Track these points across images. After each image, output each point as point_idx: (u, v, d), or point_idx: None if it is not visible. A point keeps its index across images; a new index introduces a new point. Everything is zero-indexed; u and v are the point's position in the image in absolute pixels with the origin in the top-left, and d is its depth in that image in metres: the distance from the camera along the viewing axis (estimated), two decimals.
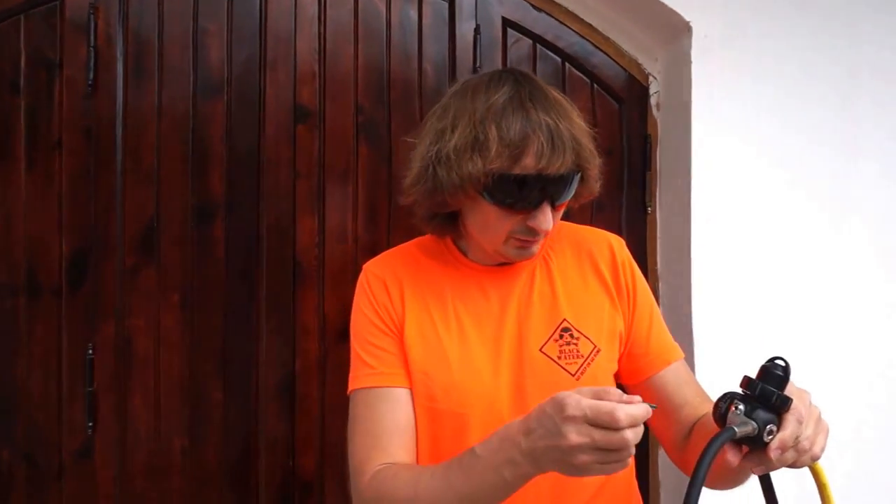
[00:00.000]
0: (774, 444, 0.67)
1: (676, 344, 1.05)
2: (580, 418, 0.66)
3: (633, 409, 0.65)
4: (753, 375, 0.70)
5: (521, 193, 0.86)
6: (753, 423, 0.67)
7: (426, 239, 1.06)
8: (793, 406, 0.68)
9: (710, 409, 0.94)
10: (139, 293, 1.51)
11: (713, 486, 0.84)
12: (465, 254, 1.02)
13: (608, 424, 0.65)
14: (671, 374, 1.00)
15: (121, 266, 1.50)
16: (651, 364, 1.01)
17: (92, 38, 1.49)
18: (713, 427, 0.85)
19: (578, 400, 0.67)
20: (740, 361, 1.47)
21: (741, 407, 0.68)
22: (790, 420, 0.68)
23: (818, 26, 1.52)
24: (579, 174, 0.89)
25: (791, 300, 1.52)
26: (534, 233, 0.89)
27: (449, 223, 0.99)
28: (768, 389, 0.67)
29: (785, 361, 0.68)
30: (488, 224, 0.90)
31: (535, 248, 0.93)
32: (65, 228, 1.50)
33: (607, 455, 0.66)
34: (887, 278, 1.55)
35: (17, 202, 1.49)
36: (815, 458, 0.71)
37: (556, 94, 0.90)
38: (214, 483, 1.52)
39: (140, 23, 1.51)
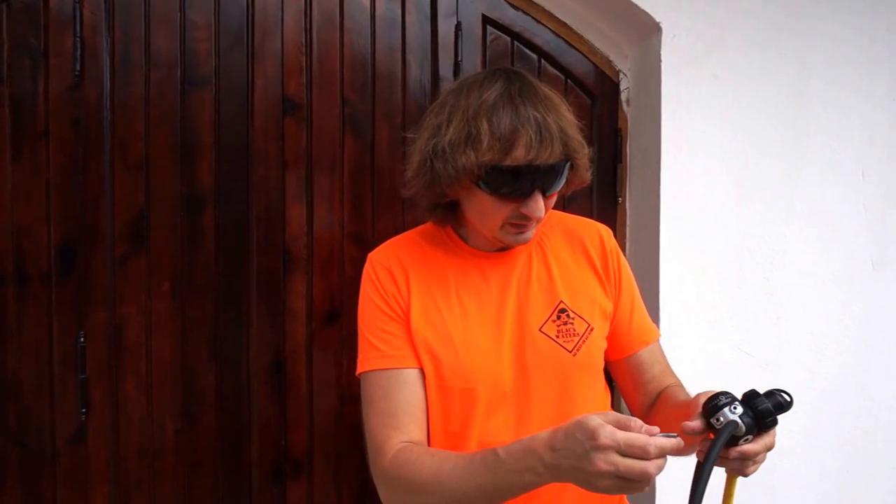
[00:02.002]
0: (743, 448, 0.80)
1: (654, 325, 1.15)
2: (611, 448, 0.71)
3: (663, 442, 0.72)
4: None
5: (514, 183, 0.92)
6: (743, 426, 0.78)
7: (428, 227, 1.12)
8: (772, 431, 0.80)
9: (671, 381, 1.09)
10: (130, 281, 1.54)
11: None
12: (465, 240, 1.08)
13: (639, 455, 0.71)
14: (646, 354, 1.11)
15: (111, 254, 1.53)
16: (631, 344, 1.11)
17: (78, 28, 1.49)
18: (673, 400, 1.00)
19: (613, 431, 0.72)
20: (702, 342, 1.62)
21: (738, 409, 0.79)
22: (765, 439, 0.80)
23: (776, 27, 1.62)
24: (568, 163, 0.96)
25: (750, 284, 1.65)
26: (527, 219, 0.96)
27: (449, 212, 1.05)
28: (769, 409, 0.78)
29: (791, 397, 0.78)
30: (485, 212, 0.97)
31: (530, 233, 0.99)
32: (53, 218, 1.51)
33: (628, 482, 0.72)
34: (831, 257, 1.69)
35: (3, 192, 1.49)
36: (748, 475, 0.85)
37: (546, 89, 0.96)
38: (208, 463, 1.58)
39: (126, 13, 1.52)
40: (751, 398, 0.80)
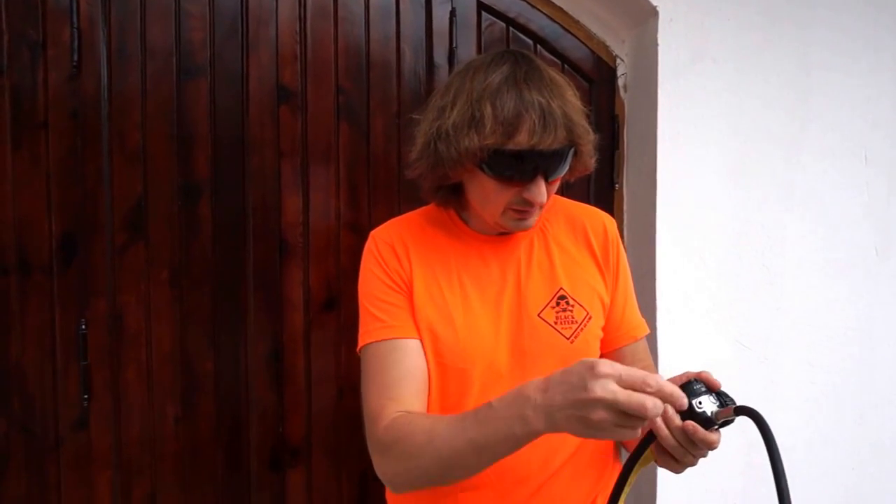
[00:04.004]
0: (713, 436, 0.78)
1: (644, 321, 1.15)
2: (611, 376, 0.68)
3: (663, 382, 0.70)
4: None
5: (516, 167, 0.91)
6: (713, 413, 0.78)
7: (430, 208, 1.11)
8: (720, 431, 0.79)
9: None
10: (129, 270, 1.56)
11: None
12: (467, 224, 1.07)
13: (638, 387, 0.68)
14: (630, 349, 1.11)
15: (110, 244, 1.55)
16: (620, 338, 1.11)
17: (75, 19, 1.51)
18: None
19: (612, 363, 0.70)
20: (699, 333, 1.60)
21: (716, 400, 0.78)
22: (717, 436, 0.79)
23: (775, 9, 1.60)
24: (572, 149, 0.94)
25: (748, 273, 1.63)
26: (529, 204, 0.95)
27: (452, 195, 1.04)
28: (738, 407, 0.77)
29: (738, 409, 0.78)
30: (487, 196, 0.96)
31: (532, 220, 0.98)
32: (53, 208, 1.53)
33: (624, 418, 0.68)
34: (832, 245, 1.67)
35: (5, 182, 1.52)
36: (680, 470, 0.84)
37: (552, 74, 0.95)
38: (208, 450, 1.60)
39: (122, 3, 1.53)
40: (720, 394, 0.79)
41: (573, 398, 0.70)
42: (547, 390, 0.74)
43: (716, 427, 0.78)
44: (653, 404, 0.67)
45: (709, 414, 0.77)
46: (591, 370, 0.69)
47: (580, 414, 0.70)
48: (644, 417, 0.68)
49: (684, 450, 0.79)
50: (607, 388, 0.68)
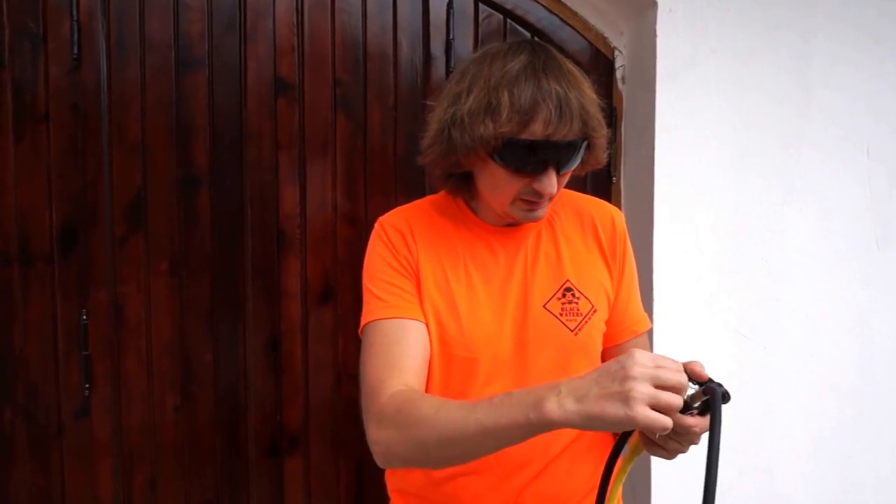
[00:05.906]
0: (693, 420, 0.77)
1: (646, 316, 1.15)
2: (648, 358, 0.70)
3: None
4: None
5: (529, 157, 0.90)
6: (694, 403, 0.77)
7: (438, 197, 1.11)
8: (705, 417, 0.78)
9: None
10: (129, 261, 1.58)
11: None
12: (475, 213, 1.07)
13: (671, 366, 0.70)
14: (631, 345, 1.11)
15: (110, 235, 1.57)
16: (622, 333, 1.11)
17: (75, 12, 1.52)
18: None
19: (645, 352, 0.71)
20: (698, 324, 1.60)
21: (694, 384, 0.77)
22: (704, 421, 0.78)
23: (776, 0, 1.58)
24: (586, 142, 0.94)
25: (747, 266, 1.62)
26: (539, 196, 0.95)
27: (462, 184, 1.04)
28: (715, 388, 0.75)
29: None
30: (497, 185, 0.96)
31: (541, 211, 0.98)
32: (54, 199, 1.55)
33: (662, 399, 0.68)
34: (832, 238, 1.65)
35: (7, 174, 1.54)
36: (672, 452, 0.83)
37: (570, 65, 0.95)
38: (206, 438, 1.63)
39: None
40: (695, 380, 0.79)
41: (612, 377, 0.70)
42: (581, 378, 0.73)
43: (693, 411, 0.78)
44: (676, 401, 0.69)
45: (685, 398, 0.77)
46: (630, 356, 0.70)
47: (619, 390, 0.69)
48: (678, 394, 0.69)
49: (665, 436, 0.78)
50: (644, 365, 0.69)
